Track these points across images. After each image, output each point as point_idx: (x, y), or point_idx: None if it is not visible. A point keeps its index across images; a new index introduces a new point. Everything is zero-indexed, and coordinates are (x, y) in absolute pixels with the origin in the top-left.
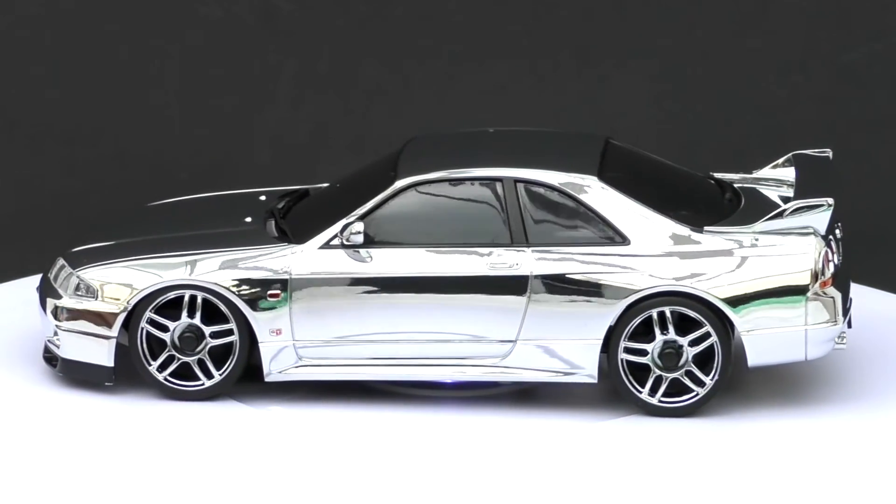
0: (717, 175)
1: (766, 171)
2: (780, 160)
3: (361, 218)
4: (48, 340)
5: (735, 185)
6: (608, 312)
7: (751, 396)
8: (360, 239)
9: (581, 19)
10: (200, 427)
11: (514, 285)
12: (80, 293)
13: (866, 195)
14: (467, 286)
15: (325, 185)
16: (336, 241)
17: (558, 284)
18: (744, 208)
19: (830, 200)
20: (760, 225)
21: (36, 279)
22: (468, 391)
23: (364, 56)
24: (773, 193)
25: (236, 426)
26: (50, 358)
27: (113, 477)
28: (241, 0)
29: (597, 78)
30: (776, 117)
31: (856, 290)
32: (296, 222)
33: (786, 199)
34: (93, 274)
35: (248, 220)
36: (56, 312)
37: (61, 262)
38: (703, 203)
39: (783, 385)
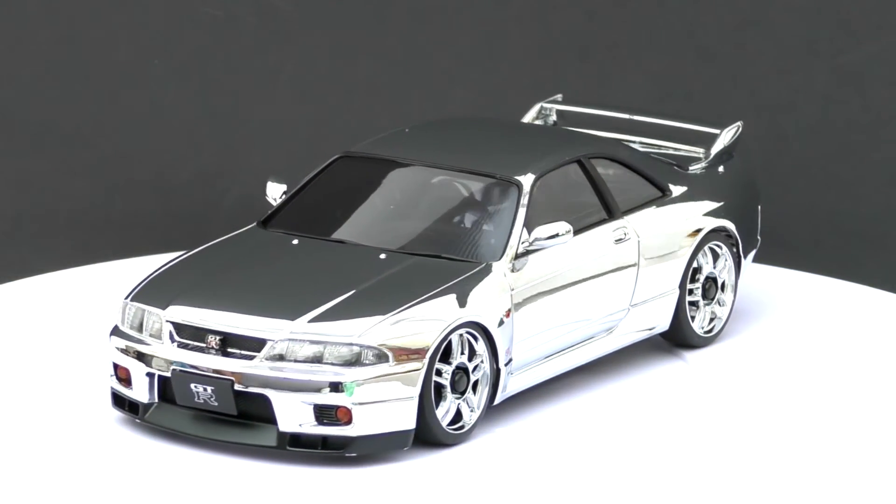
0: None
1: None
2: (532, 112)
3: (525, 223)
4: (303, 428)
5: None
6: (683, 258)
7: None
8: (569, 237)
9: (581, 19)
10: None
11: (631, 253)
12: (367, 362)
13: (866, 195)
14: (607, 264)
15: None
16: (521, 249)
17: (654, 243)
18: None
19: (740, 123)
20: (715, 152)
21: (35, 280)
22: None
23: (363, 56)
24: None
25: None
26: (298, 440)
27: None
28: (241, 0)
29: (597, 77)
30: (775, 117)
31: (856, 289)
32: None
33: None
34: (373, 337)
35: (383, 256)
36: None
37: (304, 339)
38: None
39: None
